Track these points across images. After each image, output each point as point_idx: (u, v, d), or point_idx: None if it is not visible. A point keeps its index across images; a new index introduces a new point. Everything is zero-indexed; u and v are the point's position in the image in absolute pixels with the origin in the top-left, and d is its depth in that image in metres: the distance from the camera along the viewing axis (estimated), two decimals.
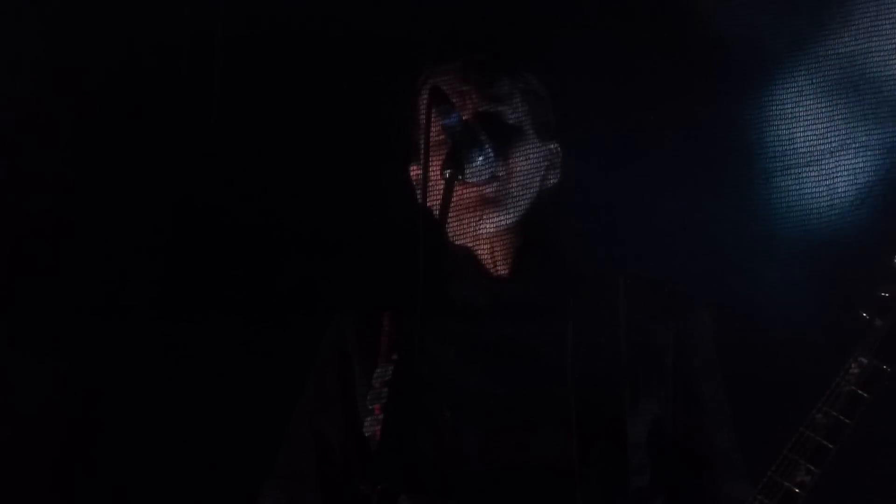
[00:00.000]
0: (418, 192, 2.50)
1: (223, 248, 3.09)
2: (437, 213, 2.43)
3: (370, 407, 2.49)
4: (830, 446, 2.36)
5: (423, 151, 2.43)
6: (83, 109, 3.05)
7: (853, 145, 2.67)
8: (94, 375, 3.06)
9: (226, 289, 3.08)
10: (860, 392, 2.36)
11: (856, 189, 2.64)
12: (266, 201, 3.08)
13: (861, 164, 2.66)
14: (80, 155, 3.07)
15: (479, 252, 2.70)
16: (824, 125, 2.69)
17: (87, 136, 3.07)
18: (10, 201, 3.03)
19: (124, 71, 3.05)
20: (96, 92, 3.05)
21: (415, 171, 2.71)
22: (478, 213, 2.63)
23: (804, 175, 2.71)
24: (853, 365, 2.37)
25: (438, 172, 2.48)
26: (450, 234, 2.68)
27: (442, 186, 2.46)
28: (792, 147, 2.73)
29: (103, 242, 3.08)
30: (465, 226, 2.67)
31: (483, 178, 2.57)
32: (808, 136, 2.71)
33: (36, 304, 3.05)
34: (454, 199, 2.51)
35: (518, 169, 2.65)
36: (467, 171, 2.50)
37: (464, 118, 2.54)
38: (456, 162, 2.48)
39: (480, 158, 2.52)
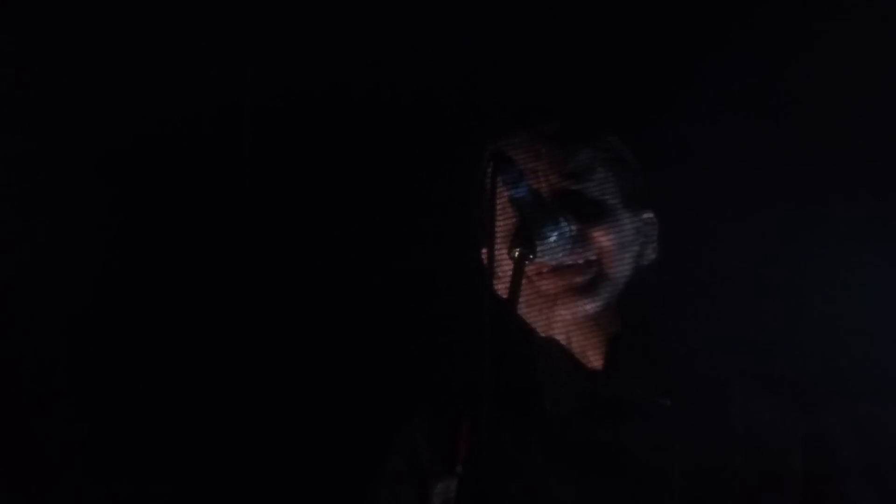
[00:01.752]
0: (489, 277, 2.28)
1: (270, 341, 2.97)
2: (508, 297, 2.20)
3: None
4: None
5: (488, 230, 2.25)
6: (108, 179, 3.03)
7: None
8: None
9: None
10: None
11: None
12: (317, 297, 2.95)
13: None
14: (108, 224, 3.03)
15: (566, 343, 2.45)
16: None
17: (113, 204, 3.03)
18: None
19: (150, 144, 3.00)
20: (121, 163, 3.02)
21: (486, 255, 2.45)
22: (567, 304, 2.40)
23: None
24: None
25: (506, 253, 2.25)
26: (530, 324, 2.45)
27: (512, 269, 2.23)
28: None
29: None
30: (549, 315, 2.43)
31: (558, 257, 2.34)
32: None
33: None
34: (538, 288, 2.37)
35: (609, 248, 2.41)
36: (539, 250, 2.26)
37: (536, 191, 2.38)
38: (526, 239, 2.25)
39: (555, 235, 2.29)
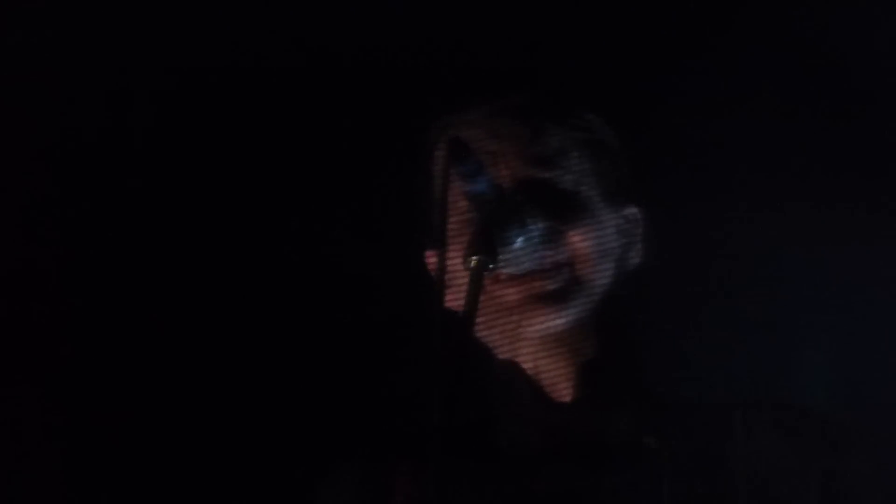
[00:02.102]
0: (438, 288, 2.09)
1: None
2: (463, 314, 1.99)
3: None
4: None
5: (439, 231, 2.07)
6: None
7: None
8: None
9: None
10: None
11: None
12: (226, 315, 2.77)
13: None
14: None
15: (533, 369, 2.24)
16: None
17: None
18: None
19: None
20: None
21: (432, 260, 2.36)
22: (532, 318, 2.19)
23: None
24: None
25: (461, 260, 2.05)
26: (487, 345, 2.23)
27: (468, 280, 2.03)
28: None
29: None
30: (511, 334, 2.22)
31: (525, 267, 2.15)
32: None
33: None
34: (497, 298, 2.18)
35: (583, 250, 2.22)
36: (502, 259, 2.05)
37: (497, 184, 2.18)
38: (485, 245, 2.04)
39: (520, 240, 2.10)
